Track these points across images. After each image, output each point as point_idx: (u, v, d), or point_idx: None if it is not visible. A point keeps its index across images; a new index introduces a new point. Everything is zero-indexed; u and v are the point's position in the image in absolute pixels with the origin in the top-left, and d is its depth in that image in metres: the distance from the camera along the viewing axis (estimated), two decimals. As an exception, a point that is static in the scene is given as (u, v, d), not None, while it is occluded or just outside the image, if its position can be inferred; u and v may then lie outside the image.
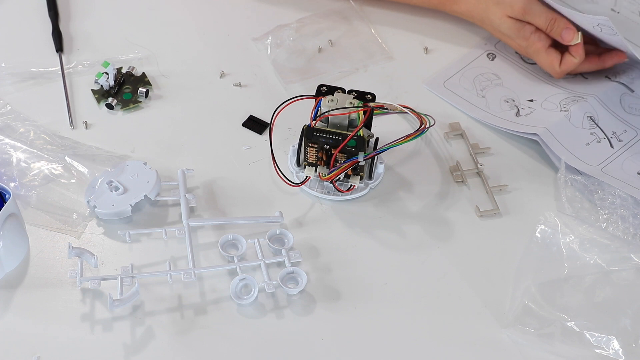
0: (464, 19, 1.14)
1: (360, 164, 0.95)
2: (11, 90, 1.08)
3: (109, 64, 1.07)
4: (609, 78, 1.10)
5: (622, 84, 1.10)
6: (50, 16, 1.15)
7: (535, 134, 1.02)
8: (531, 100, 1.08)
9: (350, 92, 0.96)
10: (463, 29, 1.16)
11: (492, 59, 1.13)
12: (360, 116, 0.93)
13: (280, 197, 0.99)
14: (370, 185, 0.99)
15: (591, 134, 1.04)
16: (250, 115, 1.06)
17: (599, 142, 1.04)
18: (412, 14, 1.17)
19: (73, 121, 1.05)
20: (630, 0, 1.09)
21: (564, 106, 1.07)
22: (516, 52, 1.13)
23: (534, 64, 1.12)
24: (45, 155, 1.00)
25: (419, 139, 1.02)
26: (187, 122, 1.06)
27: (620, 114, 1.07)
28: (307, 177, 0.98)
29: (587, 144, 1.03)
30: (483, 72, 1.12)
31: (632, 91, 1.09)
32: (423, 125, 0.96)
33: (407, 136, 0.96)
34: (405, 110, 0.95)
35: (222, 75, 1.11)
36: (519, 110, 1.07)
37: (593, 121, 1.05)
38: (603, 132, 1.05)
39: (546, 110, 1.07)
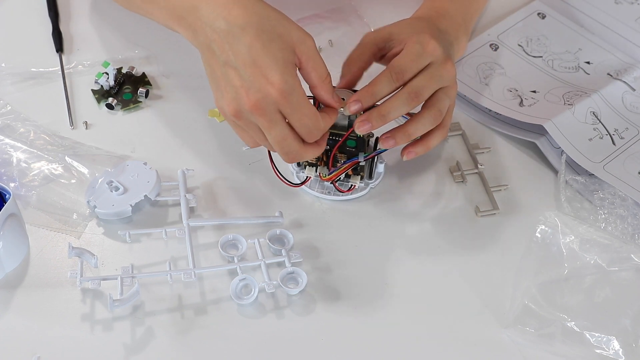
0: None
1: (360, 164, 0.95)
2: (11, 90, 1.08)
3: (109, 64, 1.07)
4: (611, 75, 1.10)
5: (624, 82, 1.09)
6: (50, 16, 1.15)
7: (540, 126, 1.02)
8: (534, 92, 1.08)
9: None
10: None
11: (495, 50, 1.13)
12: (360, 116, 0.93)
13: (280, 197, 0.99)
14: (370, 185, 0.99)
15: (594, 129, 1.04)
16: (251, 115, 1.06)
17: (602, 138, 1.04)
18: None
19: (73, 121, 1.05)
20: None
21: (568, 100, 1.06)
22: (519, 44, 1.13)
23: (537, 57, 1.12)
24: (45, 155, 1.00)
25: (419, 138, 1.02)
26: (187, 122, 1.06)
27: (622, 112, 1.07)
28: (307, 177, 0.98)
29: (590, 139, 1.03)
30: (486, 61, 1.12)
31: (634, 90, 1.09)
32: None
33: (407, 136, 0.96)
34: (405, 110, 0.95)
35: (222, 75, 1.10)
36: (522, 100, 1.07)
37: (596, 117, 1.05)
38: (605, 128, 1.05)
39: (549, 102, 1.07)
